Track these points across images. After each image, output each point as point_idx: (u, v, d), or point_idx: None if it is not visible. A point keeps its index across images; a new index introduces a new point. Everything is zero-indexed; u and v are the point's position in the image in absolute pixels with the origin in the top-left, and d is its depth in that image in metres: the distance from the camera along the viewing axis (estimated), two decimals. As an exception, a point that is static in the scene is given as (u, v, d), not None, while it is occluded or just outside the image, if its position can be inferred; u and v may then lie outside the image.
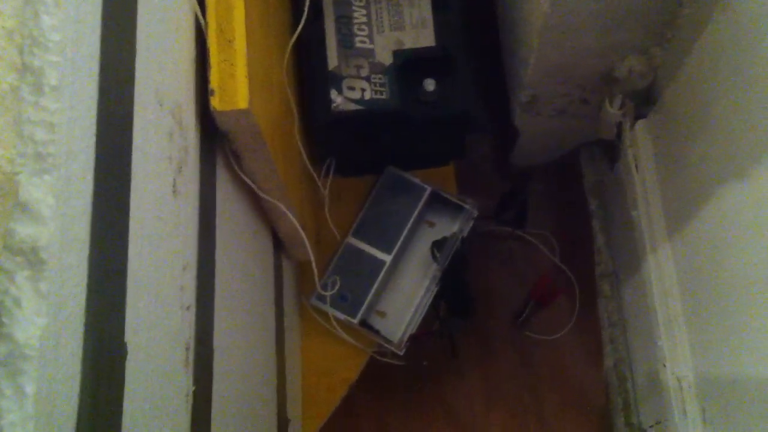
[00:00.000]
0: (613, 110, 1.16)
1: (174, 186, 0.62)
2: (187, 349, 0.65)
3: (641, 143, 1.13)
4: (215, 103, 0.69)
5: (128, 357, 0.51)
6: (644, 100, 1.15)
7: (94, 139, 0.46)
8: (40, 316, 0.39)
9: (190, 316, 0.66)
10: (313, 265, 1.04)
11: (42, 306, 0.39)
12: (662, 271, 1.08)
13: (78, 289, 0.44)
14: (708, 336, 0.97)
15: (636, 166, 1.14)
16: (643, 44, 1.06)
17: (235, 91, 0.69)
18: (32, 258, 0.39)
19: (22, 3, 0.40)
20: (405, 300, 1.24)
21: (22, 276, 0.39)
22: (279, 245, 1.10)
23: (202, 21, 0.70)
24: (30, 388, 0.39)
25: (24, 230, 0.39)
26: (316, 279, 1.10)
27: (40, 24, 0.41)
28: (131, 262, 0.52)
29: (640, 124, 1.13)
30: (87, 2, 0.46)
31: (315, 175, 1.12)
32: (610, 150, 1.38)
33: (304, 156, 1.04)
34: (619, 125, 1.19)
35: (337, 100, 1.04)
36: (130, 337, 0.51)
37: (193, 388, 0.66)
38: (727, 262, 0.90)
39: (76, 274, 0.44)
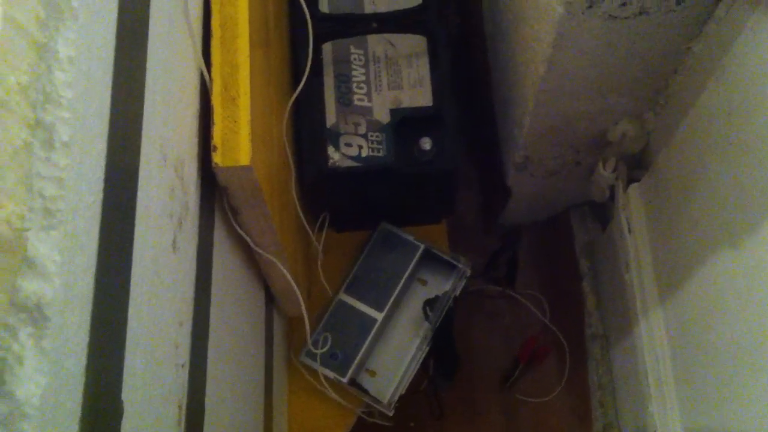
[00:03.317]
0: (606, 173, 1.17)
1: (174, 242, 0.62)
2: (180, 407, 0.64)
3: (634, 207, 1.13)
4: (217, 159, 0.69)
5: (124, 416, 0.50)
6: (637, 164, 1.16)
7: (101, 195, 0.46)
8: (41, 375, 0.39)
9: (184, 374, 0.65)
10: (306, 322, 1.03)
11: (44, 364, 0.39)
12: (653, 335, 1.08)
13: (80, 347, 0.43)
14: (699, 403, 0.97)
15: (629, 230, 1.14)
16: (637, 109, 1.08)
17: (238, 147, 0.69)
18: (36, 315, 0.39)
19: (36, 58, 0.40)
20: (395, 359, 1.23)
21: (26, 333, 0.39)
22: (270, 299, 1.09)
23: (207, 78, 0.71)
24: (27, 448, 0.38)
25: (29, 286, 0.39)
26: (308, 336, 1.09)
27: (53, 80, 0.41)
28: (131, 319, 0.51)
29: (633, 187, 1.14)
30: (99, 58, 0.46)
31: (309, 229, 1.12)
32: (601, 211, 1.39)
33: (299, 210, 1.04)
34: (612, 188, 1.20)
35: (335, 156, 1.04)
36: (126, 395, 0.50)
37: (185, 448, 0.64)
38: (719, 329, 0.90)
39: (79, 331, 0.43)
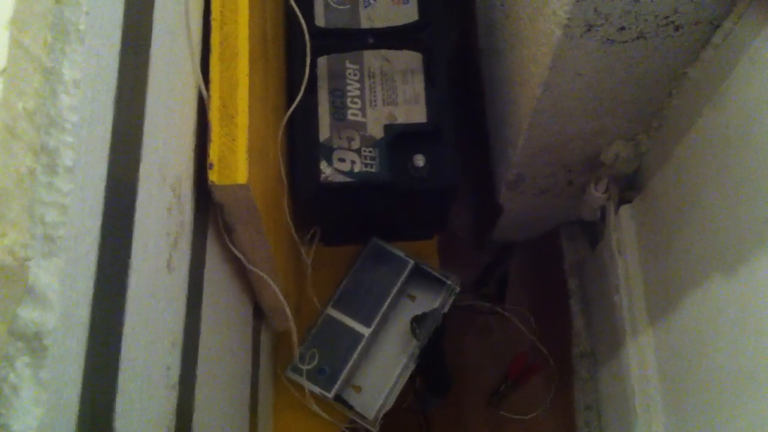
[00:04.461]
0: (597, 194, 1.17)
1: (169, 262, 0.61)
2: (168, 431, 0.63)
3: (625, 228, 1.13)
4: (214, 177, 0.68)
5: (115, 444, 0.49)
6: (629, 186, 1.16)
7: (100, 219, 0.45)
8: (38, 406, 0.38)
9: (174, 397, 0.64)
10: (294, 337, 1.02)
11: (41, 395, 0.38)
12: (642, 358, 1.08)
13: (75, 375, 0.42)
14: (687, 429, 0.96)
15: (619, 251, 1.14)
16: (631, 131, 1.08)
17: (235, 165, 0.68)
18: (34, 344, 0.38)
19: (42, 82, 0.39)
20: (382, 375, 1.22)
21: (23, 363, 0.38)
22: (258, 314, 1.08)
23: (205, 94, 0.70)
24: (21, 482, 0.37)
25: (29, 315, 0.38)
26: (296, 352, 1.08)
27: (57, 104, 0.40)
28: (125, 343, 0.50)
29: (624, 209, 1.14)
30: (103, 81, 0.45)
31: (299, 243, 1.11)
32: (591, 230, 1.39)
33: (290, 224, 1.03)
34: (603, 209, 1.20)
35: (327, 171, 1.04)
36: (118, 423, 0.49)
37: (172, 471, 0.63)
38: (709, 355, 0.90)
39: (75, 359, 0.42)
